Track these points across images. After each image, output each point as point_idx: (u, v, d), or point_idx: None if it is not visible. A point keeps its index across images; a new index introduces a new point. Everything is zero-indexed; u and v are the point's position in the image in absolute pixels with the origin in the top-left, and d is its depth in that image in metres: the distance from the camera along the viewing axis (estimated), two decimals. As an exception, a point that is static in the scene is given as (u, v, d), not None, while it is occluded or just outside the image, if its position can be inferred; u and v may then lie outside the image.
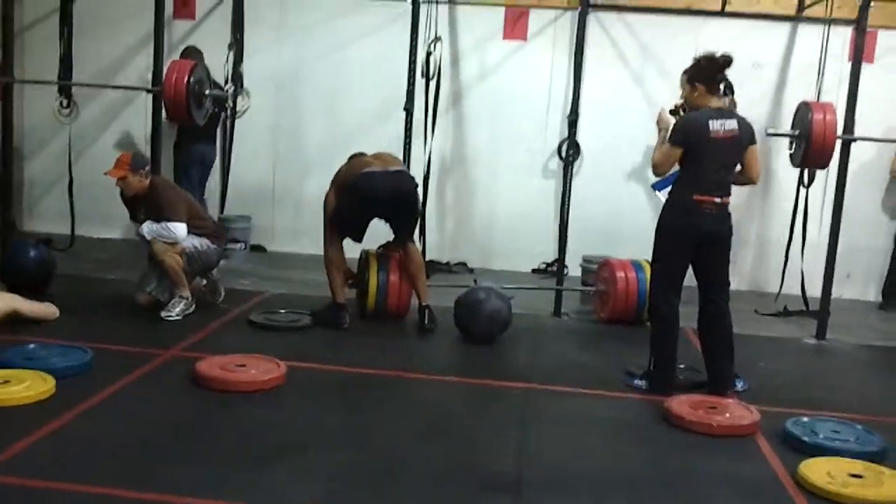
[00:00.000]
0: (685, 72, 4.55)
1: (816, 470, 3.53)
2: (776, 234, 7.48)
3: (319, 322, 5.58)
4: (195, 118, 6.20)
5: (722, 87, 6.75)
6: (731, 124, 4.46)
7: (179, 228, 5.47)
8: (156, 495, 3.10)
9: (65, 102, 6.90)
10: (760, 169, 4.67)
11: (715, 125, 4.42)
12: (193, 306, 5.58)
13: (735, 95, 6.89)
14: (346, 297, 5.73)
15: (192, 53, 7.15)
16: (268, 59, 8.01)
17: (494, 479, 3.42)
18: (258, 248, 7.97)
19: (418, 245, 7.21)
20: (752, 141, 4.58)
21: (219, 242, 5.90)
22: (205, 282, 5.96)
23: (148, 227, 5.47)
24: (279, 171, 7.95)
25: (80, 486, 3.14)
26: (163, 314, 5.42)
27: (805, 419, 4.14)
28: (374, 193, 5.54)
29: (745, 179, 4.66)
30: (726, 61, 4.46)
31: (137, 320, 5.42)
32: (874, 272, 7.71)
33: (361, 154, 5.89)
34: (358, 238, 5.82)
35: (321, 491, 3.24)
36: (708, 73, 4.48)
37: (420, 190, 6.38)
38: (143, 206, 5.62)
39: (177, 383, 4.31)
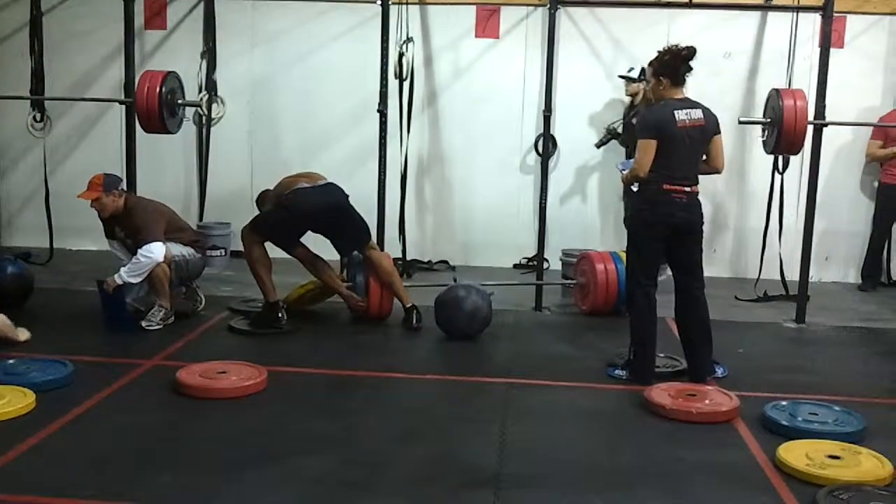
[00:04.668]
0: (649, 65, 4.58)
1: (795, 453, 3.57)
2: (754, 221, 7.52)
3: (258, 325, 5.58)
4: (169, 128, 6.20)
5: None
6: (697, 114, 4.50)
7: (155, 248, 5.39)
8: (136, 506, 3.11)
9: (38, 116, 6.89)
10: (724, 159, 4.70)
11: (680, 115, 4.45)
12: (173, 316, 5.57)
13: (704, 84, 6.93)
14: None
15: None
16: (241, 66, 8.01)
17: (475, 476, 3.43)
18: (239, 255, 7.92)
19: (398, 244, 7.26)
20: (717, 131, 4.61)
21: (202, 251, 5.91)
22: (184, 289, 5.94)
23: (126, 273, 5.36)
24: (257, 176, 7.91)
25: (62, 499, 3.15)
26: (143, 324, 5.40)
27: (784, 403, 4.18)
28: (307, 208, 5.60)
29: (711, 169, 4.69)
30: (689, 53, 4.48)
31: (117, 331, 5.38)
32: (853, 254, 7.78)
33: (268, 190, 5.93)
34: (288, 249, 5.85)
35: (302, 495, 3.24)
36: (672, 67, 4.49)
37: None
38: (118, 224, 5.61)
39: (158, 393, 4.30)
